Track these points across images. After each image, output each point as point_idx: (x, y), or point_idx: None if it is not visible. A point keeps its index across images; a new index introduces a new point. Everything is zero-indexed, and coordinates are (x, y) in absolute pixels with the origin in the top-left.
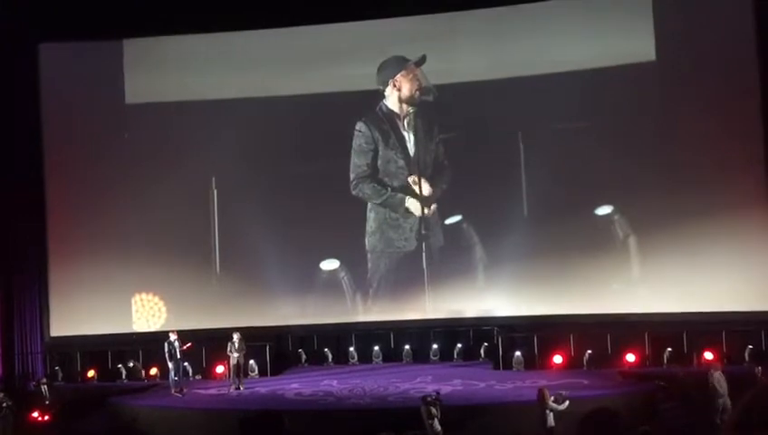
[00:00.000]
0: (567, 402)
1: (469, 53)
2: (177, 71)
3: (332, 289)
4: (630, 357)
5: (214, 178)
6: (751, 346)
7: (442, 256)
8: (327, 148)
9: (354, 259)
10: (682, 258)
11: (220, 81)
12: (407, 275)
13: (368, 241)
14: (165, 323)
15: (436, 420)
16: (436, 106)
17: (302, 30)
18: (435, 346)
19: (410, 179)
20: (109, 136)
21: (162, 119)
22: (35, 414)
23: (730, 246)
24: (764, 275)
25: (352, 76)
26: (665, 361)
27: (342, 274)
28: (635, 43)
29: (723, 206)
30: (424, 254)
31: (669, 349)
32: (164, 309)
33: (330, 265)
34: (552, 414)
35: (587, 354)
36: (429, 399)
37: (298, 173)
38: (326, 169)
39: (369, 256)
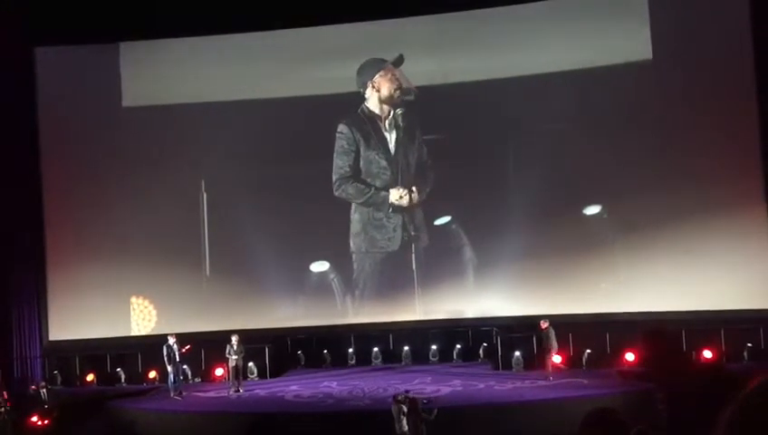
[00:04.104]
0: (436, 411)
1: (461, 54)
2: (171, 74)
3: (323, 291)
4: (630, 356)
5: (203, 181)
6: (750, 344)
7: (429, 257)
8: (317, 149)
9: (344, 260)
10: (680, 256)
11: (210, 84)
12: (393, 276)
13: (352, 242)
14: (155, 327)
15: (404, 419)
16: (420, 107)
17: (290, 33)
18: (434, 347)
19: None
20: (106, 139)
21: (155, 121)
22: (34, 419)
23: (728, 244)
24: (762, 272)
25: (342, 78)
26: None
27: (332, 275)
28: (631, 42)
29: (720, 203)
30: (414, 255)
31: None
32: (154, 313)
33: (319, 267)
34: (423, 424)
35: (586, 354)
36: (400, 397)
37: (288, 175)
38: (316, 170)
39: (353, 256)
